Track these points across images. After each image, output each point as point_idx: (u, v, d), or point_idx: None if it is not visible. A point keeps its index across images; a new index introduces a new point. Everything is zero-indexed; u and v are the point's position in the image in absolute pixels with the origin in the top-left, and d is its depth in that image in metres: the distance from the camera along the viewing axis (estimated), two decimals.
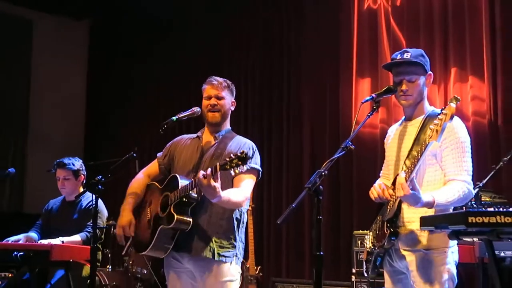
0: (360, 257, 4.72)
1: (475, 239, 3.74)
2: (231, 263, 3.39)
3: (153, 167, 3.72)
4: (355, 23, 6.37)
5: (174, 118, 3.62)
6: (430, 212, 2.86)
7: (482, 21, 5.44)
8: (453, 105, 2.72)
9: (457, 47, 5.61)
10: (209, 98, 3.55)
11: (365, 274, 3.28)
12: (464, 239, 2.99)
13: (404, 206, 2.93)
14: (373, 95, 3.14)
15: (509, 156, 4.29)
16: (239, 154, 2.99)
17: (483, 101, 5.35)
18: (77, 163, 5.11)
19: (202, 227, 3.36)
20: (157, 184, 3.60)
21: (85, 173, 5.16)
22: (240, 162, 2.97)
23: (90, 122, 9.33)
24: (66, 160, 5.07)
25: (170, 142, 3.75)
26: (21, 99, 8.68)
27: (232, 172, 3.02)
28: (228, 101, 3.58)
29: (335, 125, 6.39)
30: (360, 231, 4.87)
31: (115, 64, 8.95)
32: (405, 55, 3.10)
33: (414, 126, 3.11)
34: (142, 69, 8.55)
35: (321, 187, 2.77)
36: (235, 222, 3.44)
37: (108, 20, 9.10)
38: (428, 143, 2.73)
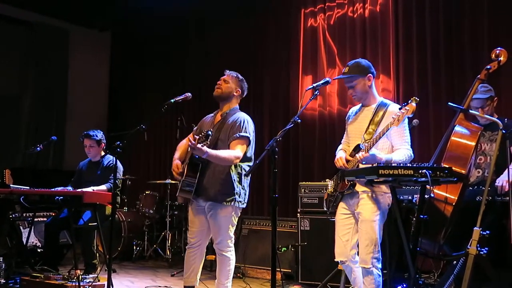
0: (304, 200, 4.67)
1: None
2: (231, 205, 3.32)
3: (191, 135, 3.63)
4: (301, 35, 6.28)
5: (172, 100, 3.61)
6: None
7: (389, 34, 5.43)
8: (413, 104, 2.78)
9: (372, 54, 5.59)
10: (220, 79, 3.51)
11: (325, 209, 3.27)
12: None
13: (361, 165, 2.91)
14: (314, 85, 3.12)
15: None
16: (202, 134, 3.04)
17: (390, 92, 5.36)
18: (99, 134, 4.95)
19: (209, 181, 3.32)
20: None
21: (105, 141, 4.99)
22: (204, 139, 3.03)
23: (111, 104, 9.10)
24: (91, 132, 4.91)
25: (201, 120, 3.70)
26: (61, 87, 8.37)
27: (199, 146, 3.05)
28: (231, 85, 3.49)
29: (287, 107, 6.33)
30: (304, 182, 4.78)
31: (130, 64, 8.71)
32: (345, 70, 3.13)
33: (369, 111, 3.10)
34: (149, 69, 8.32)
35: (276, 149, 2.74)
36: (235, 176, 3.35)
37: (123, 31, 8.86)
38: (391, 127, 2.79)
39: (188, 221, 3.54)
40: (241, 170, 3.39)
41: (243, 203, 3.41)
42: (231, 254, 3.39)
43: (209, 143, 3.17)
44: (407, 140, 3.01)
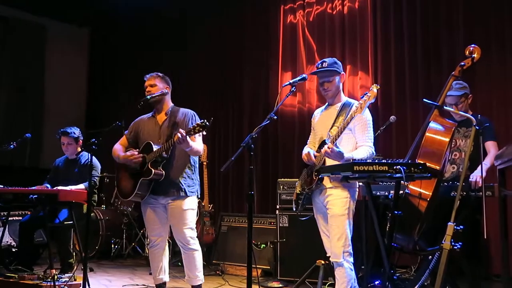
0: (283, 197, 4.66)
1: (360, 183, 3.77)
2: (192, 196, 3.44)
3: (123, 140, 3.67)
4: (281, 32, 6.28)
5: (148, 97, 3.56)
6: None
7: (368, 32, 5.47)
8: (375, 90, 2.79)
9: (351, 50, 5.62)
10: (146, 87, 3.58)
11: (294, 209, 3.25)
12: (351, 182, 3.01)
13: (328, 160, 2.94)
14: (291, 81, 3.12)
15: (384, 127, 4.33)
16: (200, 123, 3.09)
17: (368, 89, 5.34)
18: (77, 131, 4.84)
19: (172, 176, 3.39)
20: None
21: (83, 138, 4.90)
22: (201, 129, 3.11)
23: (90, 101, 8.93)
24: (68, 129, 4.80)
25: (132, 123, 3.70)
26: (38, 84, 8.19)
27: (188, 139, 3.16)
28: (160, 86, 3.57)
29: (266, 103, 6.29)
30: (283, 179, 4.75)
31: (109, 61, 8.58)
32: (323, 65, 3.15)
33: (334, 109, 3.16)
34: (128, 65, 8.17)
35: (252, 146, 2.72)
36: (193, 167, 3.51)
37: (102, 27, 8.70)
38: (355, 115, 2.81)
39: (146, 221, 3.54)
40: (193, 163, 3.53)
41: (198, 193, 3.55)
42: (196, 246, 3.44)
43: (166, 139, 3.33)
44: (370, 137, 3.07)
